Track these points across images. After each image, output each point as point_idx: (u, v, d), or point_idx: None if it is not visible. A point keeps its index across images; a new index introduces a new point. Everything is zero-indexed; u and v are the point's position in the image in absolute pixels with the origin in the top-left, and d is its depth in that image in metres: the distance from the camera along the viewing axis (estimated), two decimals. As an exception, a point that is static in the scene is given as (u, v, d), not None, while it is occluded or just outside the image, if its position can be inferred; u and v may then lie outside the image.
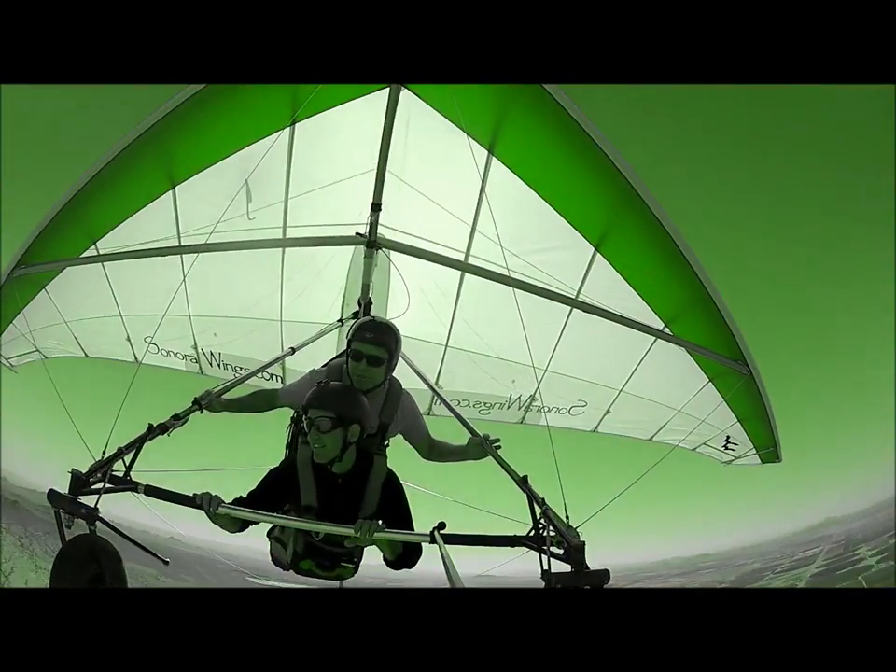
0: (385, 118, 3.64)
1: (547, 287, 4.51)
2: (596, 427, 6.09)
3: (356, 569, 3.25)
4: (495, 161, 4.01)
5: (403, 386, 3.54)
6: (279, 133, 3.90)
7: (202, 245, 4.42)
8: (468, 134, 3.65)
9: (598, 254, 4.39)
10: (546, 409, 6.06)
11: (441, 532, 2.57)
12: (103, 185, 3.98)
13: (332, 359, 4.19)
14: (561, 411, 6.03)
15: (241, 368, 6.17)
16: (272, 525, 3.28)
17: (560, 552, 2.61)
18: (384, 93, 3.65)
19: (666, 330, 4.70)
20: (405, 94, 3.70)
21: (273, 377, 6.23)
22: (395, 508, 2.99)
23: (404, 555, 2.90)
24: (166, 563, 3.08)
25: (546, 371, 5.55)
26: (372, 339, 3.11)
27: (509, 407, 6.08)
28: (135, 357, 5.90)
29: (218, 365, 6.11)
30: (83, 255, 4.55)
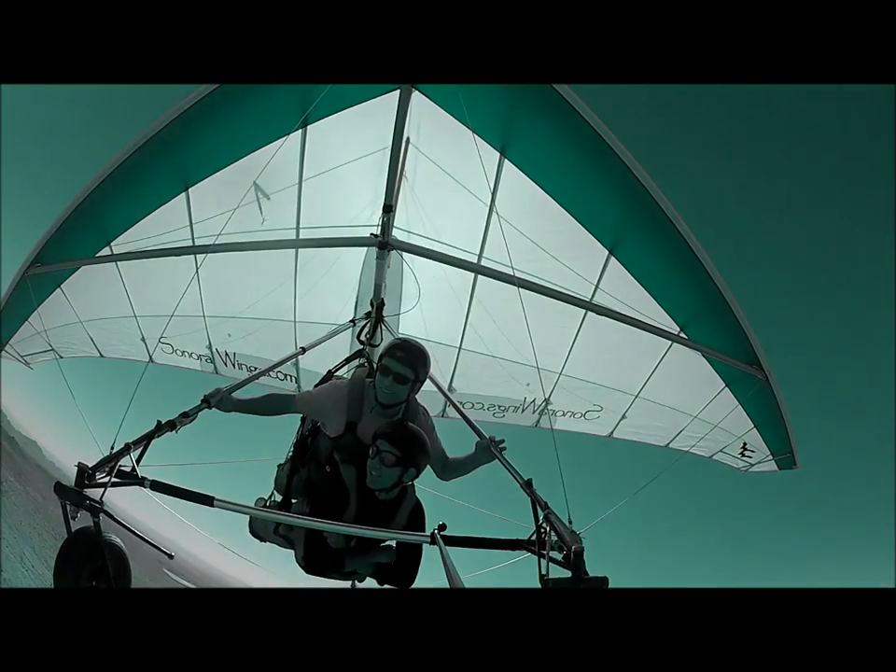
0: (396, 119, 3.60)
1: (561, 289, 4.47)
2: (612, 433, 6.00)
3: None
4: (507, 163, 3.97)
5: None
6: (291, 135, 3.86)
7: (214, 245, 4.47)
8: (478, 136, 3.62)
9: (612, 257, 4.35)
10: (561, 413, 6.01)
11: (441, 533, 2.61)
12: (116, 186, 4.01)
13: (355, 369, 4.19)
14: (576, 415, 5.96)
15: (254, 368, 6.21)
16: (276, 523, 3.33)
17: (559, 557, 2.55)
18: (394, 95, 3.63)
19: (682, 335, 4.64)
20: (417, 98, 3.68)
21: (288, 377, 6.28)
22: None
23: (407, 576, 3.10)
24: (171, 556, 3.16)
25: (560, 374, 5.51)
26: (402, 358, 3.16)
27: (523, 410, 6.03)
28: (150, 358, 5.98)
29: (233, 365, 6.15)
30: (98, 255, 4.58)
